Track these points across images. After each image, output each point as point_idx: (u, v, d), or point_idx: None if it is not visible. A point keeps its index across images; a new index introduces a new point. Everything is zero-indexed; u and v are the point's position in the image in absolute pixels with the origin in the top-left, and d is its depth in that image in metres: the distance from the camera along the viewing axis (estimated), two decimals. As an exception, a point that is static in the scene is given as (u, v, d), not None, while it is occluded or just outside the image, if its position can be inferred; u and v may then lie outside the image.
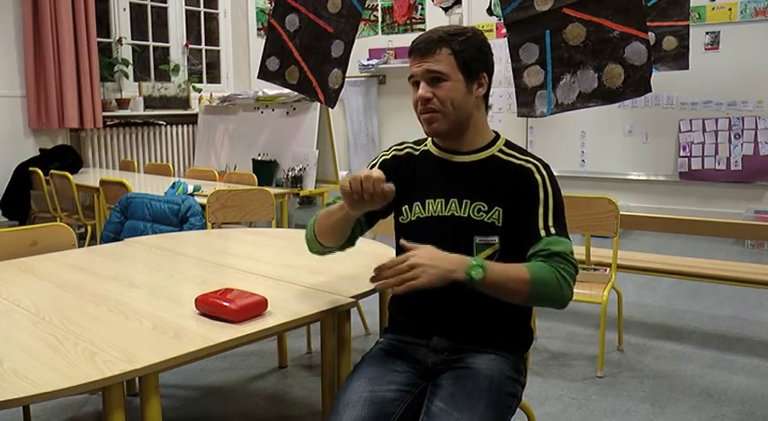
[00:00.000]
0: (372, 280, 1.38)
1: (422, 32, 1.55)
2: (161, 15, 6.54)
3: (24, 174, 5.10)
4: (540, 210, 1.47)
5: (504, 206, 1.49)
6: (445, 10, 6.45)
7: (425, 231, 1.51)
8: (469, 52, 1.49)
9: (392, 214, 1.65)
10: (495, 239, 1.49)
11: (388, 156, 1.66)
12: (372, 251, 2.24)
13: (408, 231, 1.57)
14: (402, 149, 1.65)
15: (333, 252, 1.68)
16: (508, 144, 1.57)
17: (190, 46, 6.70)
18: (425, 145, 1.63)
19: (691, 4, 4.42)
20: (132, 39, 6.25)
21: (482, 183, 1.51)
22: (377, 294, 1.84)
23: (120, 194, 3.56)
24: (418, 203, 1.55)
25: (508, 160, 1.53)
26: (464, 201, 1.51)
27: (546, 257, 1.42)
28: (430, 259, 1.35)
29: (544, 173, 1.51)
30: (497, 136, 1.59)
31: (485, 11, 6.25)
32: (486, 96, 1.57)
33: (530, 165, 1.51)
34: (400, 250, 1.59)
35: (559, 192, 1.51)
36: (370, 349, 1.61)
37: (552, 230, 1.46)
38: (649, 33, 3.44)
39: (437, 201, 1.53)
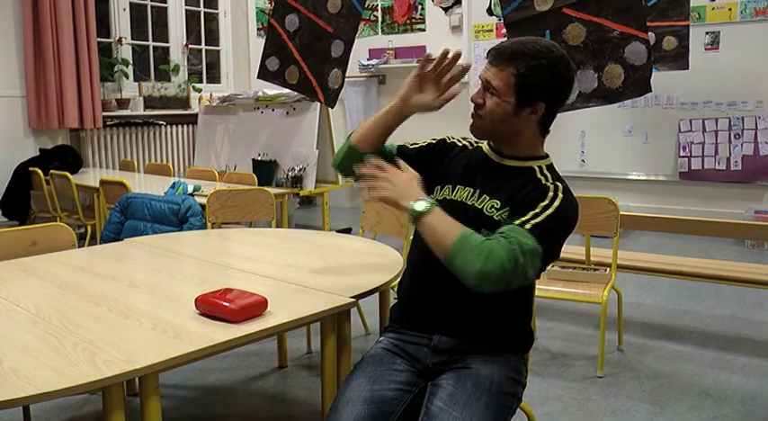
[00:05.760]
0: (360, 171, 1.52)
1: (510, 41, 1.52)
2: (161, 15, 6.53)
3: (24, 174, 5.10)
4: (530, 212, 1.43)
5: (512, 208, 1.50)
6: (445, 10, 6.45)
7: (446, 212, 1.49)
8: (534, 79, 1.46)
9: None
10: None
11: (448, 141, 1.72)
12: (372, 251, 2.24)
13: None
14: (463, 140, 1.72)
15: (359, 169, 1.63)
16: (550, 168, 1.57)
17: (190, 46, 6.70)
18: (481, 143, 1.68)
19: (691, 4, 4.43)
20: (132, 39, 6.25)
21: (506, 184, 1.53)
22: (377, 294, 1.84)
23: (120, 194, 3.56)
24: (449, 186, 1.61)
25: (539, 178, 1.53)
26: (483, 195, 1.54)
27: (501, 236, 1.37)
28: (398, 182, 1.46)
29: (559, 194, 1.47)
30: (545, 156, 1.60)
31: (485, 11, 6.24)
32: (544, 123, 1.55)
33: (550, 185, 1.50)
34: (415, 239, 1.63)
35: (562, 222, 1.45)
36: (370, 348, 1.61)
37: (527, 226, 1.39)
38: (649, 33, 3.44)
39: (466, 188, 1.58)
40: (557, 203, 1.45)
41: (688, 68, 4.45)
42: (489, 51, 1.53)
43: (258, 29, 7.15)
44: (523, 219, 1.41)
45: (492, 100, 1.49)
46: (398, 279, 1.79)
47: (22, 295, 1.69)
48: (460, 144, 1.71)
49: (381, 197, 1.45)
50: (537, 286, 1.66)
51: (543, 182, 1.52)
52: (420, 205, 1.41)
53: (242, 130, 5.93)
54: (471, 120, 1.56)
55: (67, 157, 5.27)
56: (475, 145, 1.69)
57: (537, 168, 1.55)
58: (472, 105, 1.55)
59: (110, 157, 5.94)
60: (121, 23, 6.15)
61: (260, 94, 5.76)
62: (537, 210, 1.43)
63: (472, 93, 1.55)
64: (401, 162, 1.53)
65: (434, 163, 1.66)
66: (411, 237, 1.69)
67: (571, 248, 3.34)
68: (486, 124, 1.53)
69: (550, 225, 1.41)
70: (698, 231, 3.27)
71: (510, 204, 1.50)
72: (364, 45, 6.80)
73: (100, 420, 2.37)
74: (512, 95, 1.47)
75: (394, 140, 1.73)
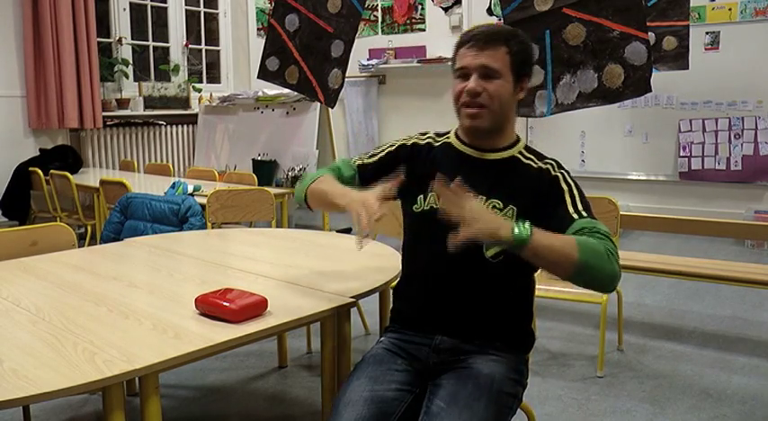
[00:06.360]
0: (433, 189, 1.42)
1: (479, 26, 1.53)
2: (161, 15, 6.54)
3: (24, 174, 5.10)
4: (567, 198, 1.48)
5: (520, 205, 1.48)
6: (445, 10, 6.45)
7: (438, 221, 1.45)
8: (522, 55, 1.51)
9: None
10: None
11: (408, 143, 1.66)
12: (372, 251, 2.24)
13: (421, 220, 1.56)
14: (423, 138, 1.67)
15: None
16: (527, 148, 1.59)
17: (190, 46, 6.70)
18: (447, 137, 1.64)
19: (691, 4, 4.43)
20: (132, 39, 6.25)
21: (500, 181, 1.52)
22: (377, 294, 1.84)
23: (120, 194, 3.56)
24: (433, 194, 1.54)
25: (527, 163, 1.54)
26: (480, 197, 1.49)
27: (588, 234, 1.38)
28: (480, 212, 1.31)
29: (563, 170, 1.54)
30: (518, 138, 1.61)
31: (485, 11, 6.24)
32: (520, 101, 1.58)
33: (547, 166, 1.54)
34: (409, 244, 1.63)
35: (580, 188, 1.53)
36: (371, 347, 1.61)
37: (584, 214, 1.46)
38: (649, 33, 3.44)
39: None
40: (570, 179, 1.52)
41: (688, 68, 4.45)
42: (470, 39, 1.49)
43: (258, 29, 7.15)
44: (571, 208, 1.45)
45: (495, 83, 1.48)
46: (397, 280, 1.78)
47: (22, 295, 1.69)
48: (423, 142, 1.65)
49: (475, 236, 1.27)
50: (537, 286, 1.66)
51: (535, 167, 1.54)
52: (523, 230, 1.28)
53: (242, 130, 5.93)
54: (469, 114, 1.49)
55: (67, 157, 5.28)
56: (440, 141, 1.63)
57: (519, 155, 1.56)
58: (462, 101, 1.50)
59: (110, 157, 5.94)
60: (121, 23, 6.15)
61: (260, 94, 5.76)
62: (567, 197, 1.47)
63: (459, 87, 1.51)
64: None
65: (405, 172, 1.57)
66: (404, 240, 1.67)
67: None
68: (495, 109, 1.49)
69: (585, 196, 1.50)
70: (698, 231, 3.27)
71: (514, 202, 1.48)
72: (364, 45, 6.79)
73: (100, 420, 2.37)
74: (510, 74, 1.49)
75: (393, 137, 1.70)
